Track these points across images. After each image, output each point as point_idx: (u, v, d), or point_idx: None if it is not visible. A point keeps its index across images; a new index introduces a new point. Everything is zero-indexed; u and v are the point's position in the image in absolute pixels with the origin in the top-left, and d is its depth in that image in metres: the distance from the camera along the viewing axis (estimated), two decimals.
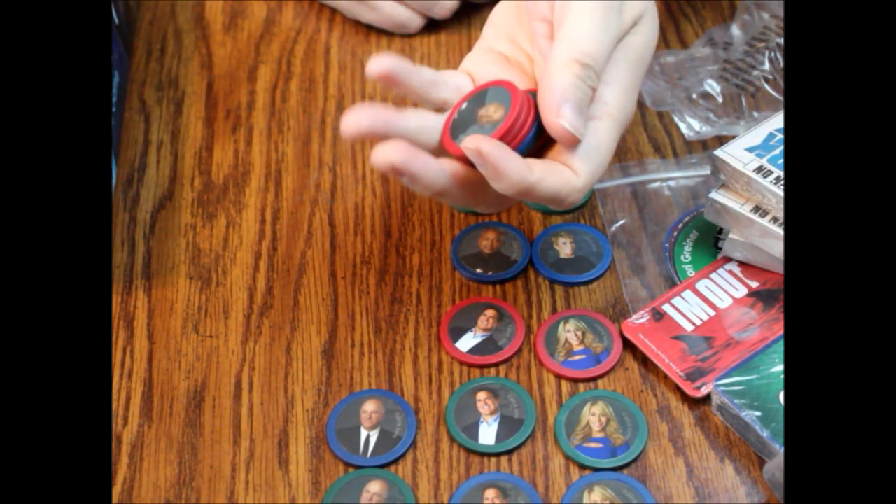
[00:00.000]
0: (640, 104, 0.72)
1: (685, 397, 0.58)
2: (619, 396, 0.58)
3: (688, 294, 0.61)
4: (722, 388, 0.56)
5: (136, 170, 0.69)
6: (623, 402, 0.58)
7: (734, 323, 0.60)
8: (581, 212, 0.67)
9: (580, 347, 0.60)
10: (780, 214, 0.59)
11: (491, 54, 0.59)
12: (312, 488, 0.55)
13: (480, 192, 0.55)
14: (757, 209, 0.60)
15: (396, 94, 0.56)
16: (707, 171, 0.67)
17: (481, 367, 0.60)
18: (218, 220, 0.67)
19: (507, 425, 0.57)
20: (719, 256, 0.63)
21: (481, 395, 0.58)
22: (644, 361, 0.60)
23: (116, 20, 0.71)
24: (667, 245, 0.64)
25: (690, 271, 0.63)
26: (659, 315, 0.60)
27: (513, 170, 0.52)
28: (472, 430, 0.57)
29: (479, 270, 0.63)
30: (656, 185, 0.68)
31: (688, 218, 0.65)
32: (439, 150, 0.55)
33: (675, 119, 0.70)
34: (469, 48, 0.75)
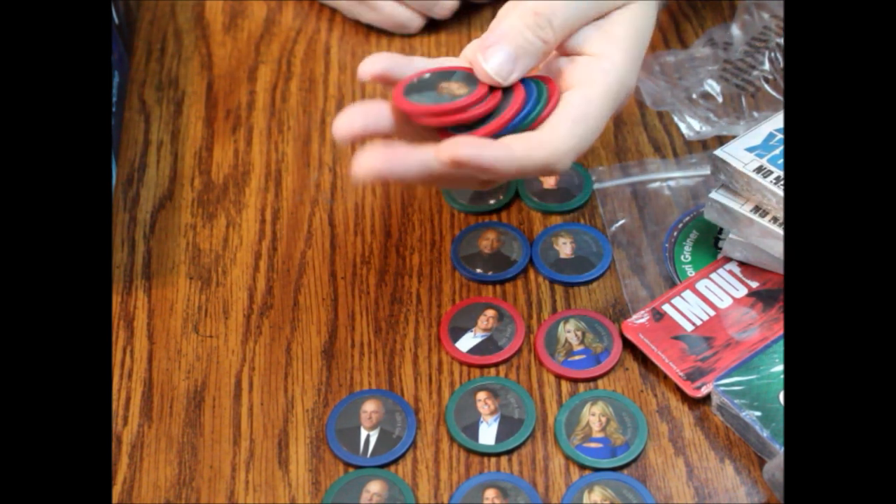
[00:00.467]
0: (640, 104, 0.72)
1: (685, 397, 0.58)
2: (619, 396, 0.58)
3: (688, 294, 0.61)
4: (722, 388, 0.56)
5: (136, 170, 0.69)
6: (623, 402, 0.58)
7: (734, 323, 0.60)
8: (581, 212, 0.67)
9: (580, 347, 0.60)
10: (780, 214, 0.59)
11: None
12: (312, 488, 0.55)
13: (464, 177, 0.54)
14: (757, 209, 0.60)
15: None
16: (707, 171, 0.67)
17: (481, 367, 0.60)
18: (218, 220, 0.67)
19: (507, 425, 0.57)
20: (719, 256, 0.63)
21: (481, 395, 0.58)
22: (644, 361, 0.60)
23: (116, 20, 0.71)
24: (667, 245, 0.64)
25: (690, 271, 0.63)
26: (659, 315, 0.60)
27: (496, 157, 0.51)
28: (472, 430, 0.57)
29: (479, 270, 0.63)
30: (656, 185, 0.68)
31: (688, 218, 0.65)
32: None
33: (675, 119, 0.70)
34: None
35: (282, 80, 0.74)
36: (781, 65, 0.71)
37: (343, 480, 0.55)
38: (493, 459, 0.56)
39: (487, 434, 0.57)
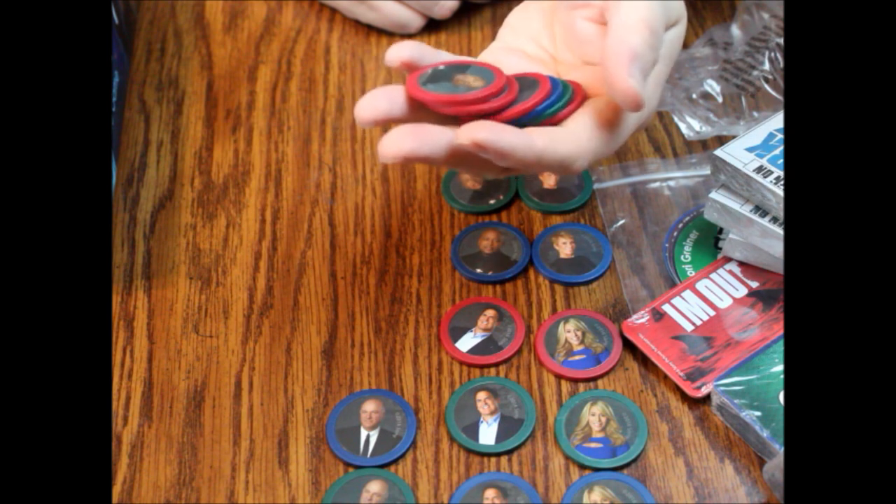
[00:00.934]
0: None
1: (685, 397, 0.58)
2: (619, 396, 0.58)
3: (688, 294, 0.61)
4: (722, 388, 0.56)
5: (136, 170, 0.69)
6: (623, 402, 0.58)
7: (734, 323, 0.60)
8: (581, 212, 0.67)
9: (580, 347, 0.60)
10: (780, 214, 0.59)
11: (511, 51, 0.59)
12: (312, 488, 0.55)
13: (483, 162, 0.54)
14: (757, 209, 0.60)
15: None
16: (707, 171, 0.67)
17: (481, 367, 0.60)
18: (218, 220, 0.67)
19: (507, 425, 0.57)
20: (719, 256, 0.63)
21: (481, 395, 0.58)
22: (644, 361, 0.60)
23: (116, 20, 0.71)
24: (667, 245, 0.64)
25: (690, 271, 0.63)
26: (659, 315, 0.60)
27: (517, 144, 0.50)
28: (472, 430, 0.57)
29: (479, 270, 0.63)
30: (656, 185, 0.68)
31: (688, 218, 0.65)
32: None
33: (675, 119, 0.70)
34: (469, 48, 0.75)
35: (282, 80, 0.74)
36: (781, 65, 0.71)
37: (343, 480, 0.55)
38: (493, 459, 0.56)
39: (487, 434, 0.57)
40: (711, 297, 0.61)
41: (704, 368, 0.58)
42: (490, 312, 0.62)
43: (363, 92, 0.73)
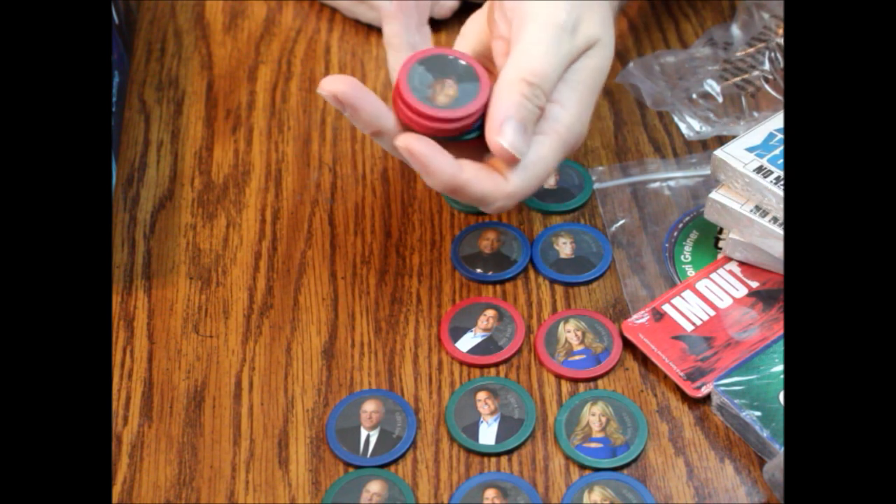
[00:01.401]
0: (640, 104, 0.72)
1: (685, 397, 0.58)
2: (619, 396, 0.58)
3: (688, 294, 0.61)
4: (722, 388, 0.56)
5: (136, 170, 0.69)
6: (623, 402, 0.58)
7: (734, 323, 0.60)
8: (581, 212, 0.67)
9: (580, 347, 0.60)
10: (780, 214, 0.59)
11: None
12: (312, 488, 0.55)
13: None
14: (757, 209, 0.60)
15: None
16: (707, 171, 0.67)
17: (481, 367, 0.60)
18: (218, 220, 0.67)
19: (507, 425, 0.57)
20: (719, 256, 0.63)
21: (481, 395, 0.58)
22: (644, 361, 0.60)
23: (116, 20, 0.71)
24: (667, 245, 0.64)
25: (690, 271, 0.63)
26: (659, 315, 0.60)
27: (442, 169, 0.54)
28: (472, 430, 0.57)
29: (479, 270, 0.63)
30: (656, 185, 0.68)
31: (688, 218, 0.65)
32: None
33: (675, 119, 0.70)
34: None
35: (282, 80, 0.74)
36: (781, 65, 0.71)
37: (343, 480, 0.55)
38: (493, 459, 0.56)
39: (487, 434, 0.57)
40: (711, 297, 0.61)
41: (704, 368, 0.58)
42: (490, 312, 0.62)
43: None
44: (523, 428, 0.57)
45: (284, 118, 0.72)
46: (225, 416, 0.58)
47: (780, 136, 0.61)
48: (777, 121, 0.62)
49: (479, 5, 0.78)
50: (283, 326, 0.62)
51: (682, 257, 0.63)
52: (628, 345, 0.60)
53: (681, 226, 0.65)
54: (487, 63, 0.60)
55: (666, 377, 0.59)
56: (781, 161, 0.60)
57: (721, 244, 0.64)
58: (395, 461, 0.56)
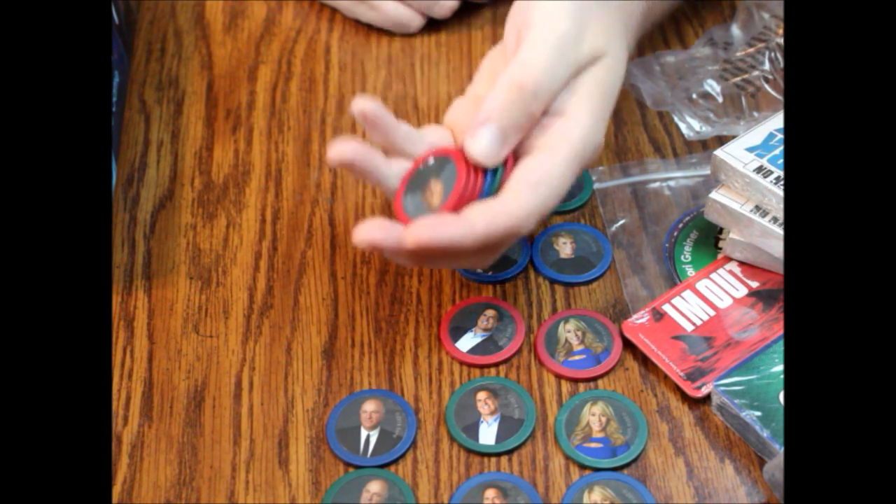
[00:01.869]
0: (640, 104, 0.72)
1: (685, 397, 0.58)
2: (619, 396, 0.58)
3: (688, 294, 0.61)
4: (722, 388, 0.56)
5: (136, 170, 0.69)
6: (623, 402, 0.58)
7: (734, 323, 0.60)
8: (581, 212, 0.67)
9: (580, 347, 0.60)
10: (780, 214, 0.59)
11: (477, 102, 0.58)
12: (312, 488, 0.55)
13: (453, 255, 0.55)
14: (757, 209, 0.60)
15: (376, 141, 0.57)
16: (707, 171, 0.67)
17: (481, 367, 0.60)
18: (218, 220, 0.67)
19: (507, 425, 0.57)
20: (719, 256, 0.63)
21: (481, 395, 0.58)
22: (644, 361, 0.60)
23: (116, 20, 0.71)
24: (667, 245, 0.64)
25: (690, 271, 0.63)
26: (659, 315, 0.60)
27: (458, 237, 0.52)
28: (472, 430, 0.57)
29: (479, 270, 0.63)
30: (656, 185, 0.68)
31: (688, 218, 0.65)
32: None
33: (675, 119, 0.70)
34: (469, 48, 0.75)
35: (282, 80, 0.74)
36: (781, 65, 0.71)
37: (343, 480, 0.55)
38: (493, 459, 0.56)
39: (487, 434, 0.57)
40: (711, 297, 0.61)
41: (704, 368, 0.58)
42: (490, 312, 0.62)
43: (363, 92, 0.73)
44: (523, 428, 0.57)
45: (284, 118, 0.72)
46: (225, 416, 0.58)
47: (780, 136, 0.61)
48: (777, 121, 0.62)
49: (477, 5, 0.78)
50: (283, 326, 0.62)
51: (682, 257, 0.63)
52: (628, 345, 0.60)
53: (681, 226, 0.65)
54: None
55: (666, 377, 0.59)
56: (781, 161, 0.60)
57: (721, 244, 0.64)
58: (396, 461, 0.56)
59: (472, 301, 0.62)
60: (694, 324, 0.60)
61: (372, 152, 0.55)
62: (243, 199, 0.68)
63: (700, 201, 0.66)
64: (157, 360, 0.60)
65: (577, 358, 0.60)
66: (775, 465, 0.53)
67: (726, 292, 0.61)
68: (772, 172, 0.59)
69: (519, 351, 0.60)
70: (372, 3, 0.75)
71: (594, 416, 0.57)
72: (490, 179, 0.55)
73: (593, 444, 0.56)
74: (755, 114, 0.70)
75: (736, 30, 0.74)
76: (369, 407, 0.58)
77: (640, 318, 0.60)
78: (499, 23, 0.64)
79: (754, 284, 0.62)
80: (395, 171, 0.56)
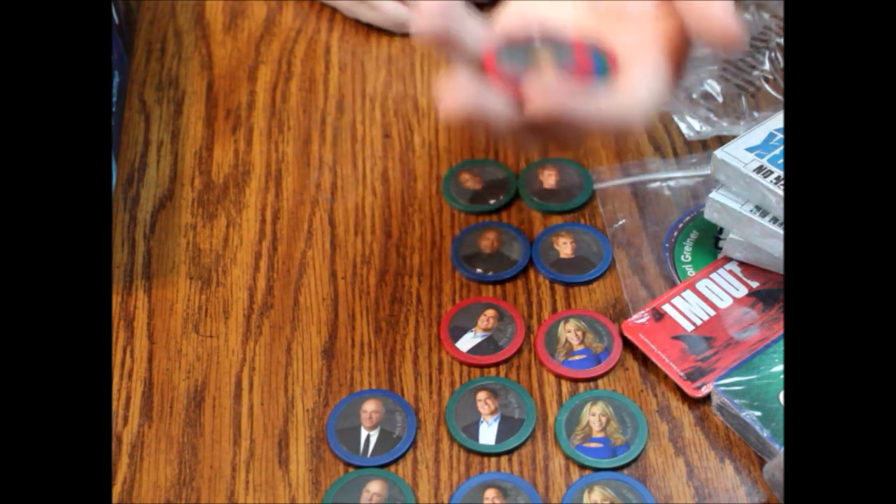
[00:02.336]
0: None
1: (685, 397, 0.58)
2: (619, 396, 0.58)
3: (688, 294, 0.61)
4: (722, 388, 0.56)
5: (136, 170, 0.69)
6: (623, 402, 0.58)
7: (734, 323, 0.60)
8: (581, 212, 0.67)
9: (580, 347, 0.60)
10: (780, 214, 0.59)
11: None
12: (312, 488, 0.55)
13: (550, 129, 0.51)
14: (757, 209, 0.60)
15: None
16: (707, 171, 0.67)
17: (481, 366, 0.60)
18: (218, 220, 0.67)
19: (508, 425, 0.57)
20: (719, 256, 0.63)
21: (481, 395, 0.58)
22: (644, 361, 0.60)
23: (116, 20, 0.71)
24: (667, 245, 0.64)
25: (690, 271, 0.63)
26: (659, 315, 0.60)
27: (585, 113, 0.49)
28: (473, 429, 0.57)
29: (479, 270, 0.63)
30: (656, 185, 0.68)
31: (688, 218, 0.65)
32: None
33: (675, 119, 0.70)
34: None
35: (282, 80, 0.74)
36: (781, 65, 0.71)
37: (343, 480, 0.55)
38: (493, 459, 0.56)
39: (487, 434, 0.57)
40: (712, 297, 0.61)
41: (705, 368, 0.58)
42: (490, 312, 0.62)
43: (363, 92, 0.73)
44: (523, 428, 0.57)
45: (284, 118, 0.72)
46: (225, 416, 0.58)
47: (780, 136, 0.61)
48: (777, 121, 0.62)
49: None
50: (283, 326, 0.62)
51: (682, 257, 0.63)
52: (628, 345, 0.60)
53: (681, 226, 0.65)
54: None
55: (666, 377, 0.59)
56: (781, 161, 0.60)
57: (721, 244, 0.64)
58: (396, 461, 0.56)
59: (472, 301, 0.62)
60: (694, 324, 0.60)
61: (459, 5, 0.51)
62: (243, 199, 0.68)
63: (700, 201, 0.66)
64: (157, 360, 0.60)
65: (577, 358, 0.59)
66: (775, 465, 0.53)
67: (726, 292, 0.61)
68: (772, 172, 0.59)
69: (519, 351, 0.60)
70: (372, 3, 0.75)
71: (594, 416, 0.57)
72: (599, 66, 0.52)
73: (593, 444, 0.56)
74: (755, 114, 0.70)
75: None
76: (369, 407, 0.58)
77: (640, 318, 0.60)
78: None
79: (754, 284, 0.62)
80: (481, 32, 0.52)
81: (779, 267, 0.61)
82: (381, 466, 0.56)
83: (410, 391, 0.59)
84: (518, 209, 0.67)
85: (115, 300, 0.63)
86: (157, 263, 0.65)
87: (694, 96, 0.70)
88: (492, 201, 0.67)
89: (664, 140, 0.70)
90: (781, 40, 0.72)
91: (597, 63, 0.53)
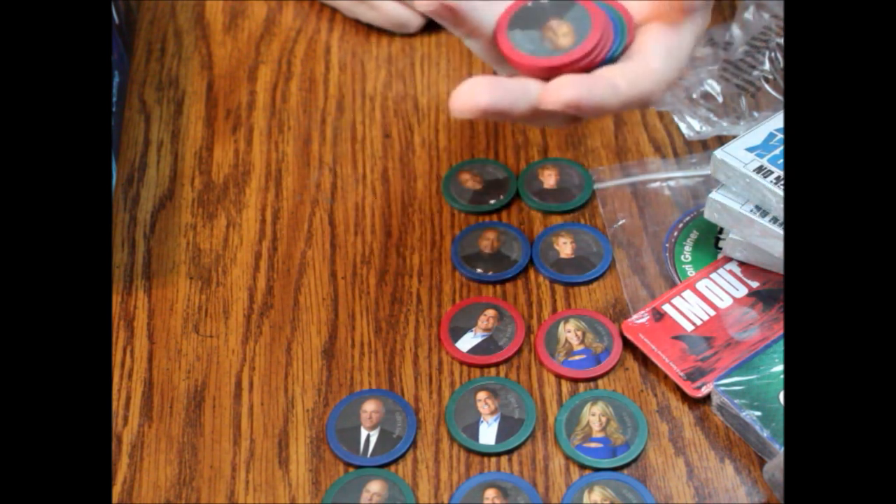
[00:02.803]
0: None
1: (685, 397, 0.58)
2: (619, 396, 0.58)
3: (688, 294, 0.61)
4: (722, 388, 0.56)
5: (136, 170, 0.69)
6: (623, 402, 0.58)
7: (734, 323, 0.60)
8: (581, 212, 0.67)
9: (580, 347, 0.60)
10: (780, 214, 0.59)
11: None
12: (312, 488, 0.55)
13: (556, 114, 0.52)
14: (757, 209, 0.60)
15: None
16: (707, 171, 0.67)
17: (481, 366, 0.60)
18: (218, 220, 0.67)
19: (508, 425, 0.57)
20: (719, 256, 0.63)
21: (481, 395, 0.58)
22: (644, 361, 0.60)
23: (116, 20, 0.71)
24: (667, 245, 0.64)
25: (690, 271, 0.63)
26: (659, 315, 0.60)
27: (605, 101, 0.49)
28: (473, 429, 0.57)
29: (479, 270, 0.63)
30: (656, 185, 0.68)
31: (688, 218, 0.65)
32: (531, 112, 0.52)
33: (675, 119, 0.70)
34: (469, 49, 0.75)
35: (282, 80, 0.74)
36: (781, 65, 0.71)
37: (343, 480, 0.55)
38: (494, 459, 0.56)
39: (487, 434, 0.57)
40: (711, 297, 0.61)
41: (704, 368, 0.58)
42: (490, 312, 0.62)
43: (363, 92, 0.73)
44: (523, 428, 0.57)
45: (284, 118, 0.72)
46: (225, 416, 0.58)
47: (780, 136, 0.61)
48: (777, 121, 0.62)
49: None
50: (283, 326, 0.62)
51: (682, 257, 0.63)
52: (628, 345, 0.60)
53: (681, 226, 0.65)
54: None
55: (666, 377, 0.59)
56: (781, 161, 0.60)
57: (721, 244, 0.64)
58: (396, 461, 0.56)
59: (472, 301, 0.62)
60: (694, 324, 0.60)
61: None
62: (243, 199, 0.68)
63: (700, 201, 0.66)
64: (157, 360, 0.60)
65: (577, 358, 0.60)
66: (775, 465, 0.53)
67: (726, 292, 0.61)
68: (772, 172, 0.59)
69: (519, 351, 0.60)
70: (372, 3, 0.75)
71: (594, 416, 0.57)
72: (618, 42, 0.52)
73: (593, 444, 0.56)
74: (755, 114, 0.70)
75: (736, 30, 0.74)
76: (369, 407, 0.58)
77: (640, 318, 0.60)
78: None
79: (754, 284, 0.62)
80: (496, 11, 0.53)
81: (779, 267, 0.61)
82: (381, 466, 0.56)
83: (410, 391, 0.59)
84: (518, 209, 0.67)
85: (115, 300, 0.63)
86: (157, 263, 0.65)
87: (694, 96, 0.70)
88: (492, 201, 0.67)
89: (664, 140, 0.70)
90: (781, 40, 0.72)
91: (613, 20, 0.53)
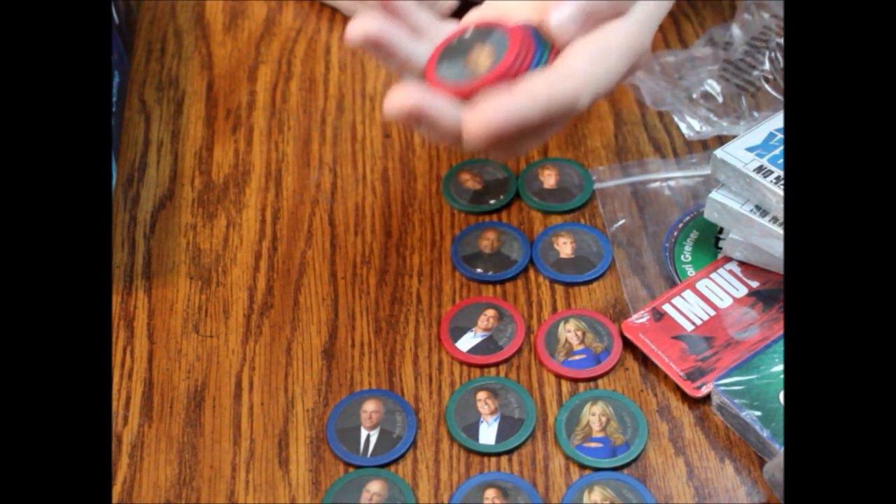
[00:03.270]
0: (640, 104, 0.72)
1: (685, 397, 0.58)
2: (619, 396, 0.58)
3: (688, 294, 0.61)
4: (722, 388, 0.56)
5: (136, 170, 0.69)
6: (623, 402, 0.58)
7: (734, 323, 0.60)
8: (581, 212, 0.67)
9: (580, 347, 0.60)
10: (780, 214, 0.59)
11: None
12: (312, 488, 0.55)
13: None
14: (757, 209, 0.60)
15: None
16: (707, 171, 0.67)
17: (481, 366, 0.60)
18: (218, 220, 0.67)
19: (508, 425, 0.57)
20: (719, 256, 0.63)
21: (481, 395, 0.58)
22: (644, 361, 0.60)
23: (116, 20, 0.71)
24: (667, 245, 0.64)
25: (690, 271, 0.63)
26: (659, 315, 0.60)
27: (528, 110, 0.50)
28: (473, 429, 0.57)
29: (479, 270, 0.63)
30: (656, 185, 0.68)
31: (688, 218, 0.65)
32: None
33: (675, 119, 0.70)
34: None
35: (282, 80, 0.74)
36: (781, 65, 0.71)
37: (343, 480, 0.55)
38: (494, 459, 0.56)
39: (487, 434, 0.57)
40: (712, 297, 0.61)
41: (704, 368, 0.58)
42: (490, 312, 0.62)
43: (363, 92, 0.73)
44: (523, 428, 0.57)
45: (284, 118, 0.72)
46: (225, 416, 0.58)
47: (780, 136, 0.61)
48: (777, 121, 0.62)
49: (479, 5, 0.78)
50: (283, 326, 0.62)
51: (682, 257, 0.63)
52: (628, 345, 0.60)
53: (681, 226, 0.65)
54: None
55: (666, 377, 0.59)
56: (781, 161, 0.60)
57: (721, 244, 0.64)
58: (396, 461, 0.56)
59: (472, 301, 0.62)
60: (694, 324, 0.60)
61: (396, 28, 0.52)
62: (243, 199, 0.68)
63: (700, 201, 0.66)
64: (157, 360, 0.60)
65: (577, 358, 0.60)
66: (775, 465, 0.53)
67: (726, 292, 0.61)
68: (772, 172, 0.59)
69: (519, 351, 0.60)
70: (372, 4, 0.75)
71: (594, 415, 0.57)
72: (539, 53, 0.53)
73: (593, 444, 0.56)
74: (755, 114, 0.70)
75: (736, 30, 0.74)
76: (369, 407, 0.58)
77: (640, 318, 0.60)
78: None
79: (754, 284, 0.62)
80: (422, 49, 0.54)
81: (779, 267, 0.61)
82: (381, 466, 0.56)
83: (410, 391, 0.59)
84: (518, 209, 0.67)
85: (115, 300, 0.63)
86: (157, 263, 0.65)
87: (694, 96, 0.70)
88: (492, 201, 0.67)
89: (664, 140, 0.70)
90: (781, 40, 0.72)
91: (536, 41, 0.53)
